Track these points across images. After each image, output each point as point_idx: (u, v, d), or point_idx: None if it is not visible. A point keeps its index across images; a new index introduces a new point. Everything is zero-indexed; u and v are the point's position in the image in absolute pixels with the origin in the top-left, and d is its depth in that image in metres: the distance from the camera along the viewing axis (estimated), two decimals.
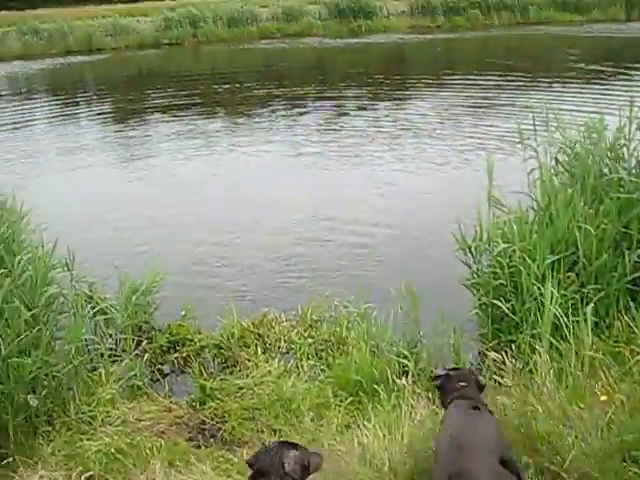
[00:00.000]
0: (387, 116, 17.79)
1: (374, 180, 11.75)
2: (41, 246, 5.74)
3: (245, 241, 9.25)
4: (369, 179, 11.87)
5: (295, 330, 6.26)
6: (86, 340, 5.59)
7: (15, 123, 20.80)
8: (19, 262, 5.23)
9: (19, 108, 23.80)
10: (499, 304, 5.40)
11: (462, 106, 18.30)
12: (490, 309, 5.62)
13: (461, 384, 3.75)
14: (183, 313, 6.51)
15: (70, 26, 45.03)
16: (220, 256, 8.67)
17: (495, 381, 4.64)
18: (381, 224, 9.56)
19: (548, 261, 5.32)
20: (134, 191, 12.12)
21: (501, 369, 4.63)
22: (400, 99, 20.76)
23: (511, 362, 4.55)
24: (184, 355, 6.03)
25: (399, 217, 9.73)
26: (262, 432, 4.83)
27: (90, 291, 6.43)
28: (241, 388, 5.39)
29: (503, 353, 4.72)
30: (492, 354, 4.76)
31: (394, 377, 4.98)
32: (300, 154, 14.17)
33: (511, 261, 5.50)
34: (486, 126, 15.29)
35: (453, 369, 4.08)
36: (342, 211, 10.14)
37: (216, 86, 26.03)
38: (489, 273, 5.74)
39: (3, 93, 29.22)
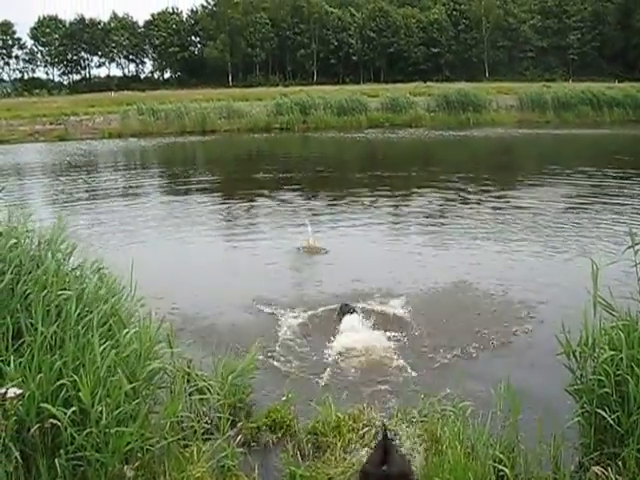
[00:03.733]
0: (492, 205, 17.82)
1: (479, 267, 11.72)
2: (148, 319, 5.91)
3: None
4: (471, 265, 11.83)
5: (390, 422, 6.15)
6: (181, 417, 5.66)
7: (124, 190, 22.16)
8: (126, 335, 5.40)
9: (131, 178, 25.30)
10: (603, 414, 5.17)
11: (571, 201, 18.11)
12: (593, 418, 5.37)
13: None
14: (284, 398, 6.49)
15: (186, 107, 47.64)
16: (316, 344, 8.50)
17: None
18: (480, 313, 9.38)
19: None
20: (235, 264, 12.47)
21: None
22: (506, 190, 20.67)
23: (616, 478, 4.31)
24: (277, 439, 6.03)
25: (500, 309, 9.54)
26: None
27: (188, 367, 6.54)
28: (331, 478, 5.33)
29: (608, 468, 4.48)
30: (595, 468, 4.53)
31: None
32: (399, 237, 14.42)
33: (618, 369, 5.27)
34: (596, 224, 14.97)
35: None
36: (435, 299, 10.05)
37: (321, 169, 26.80)
38: (594, 380, 5.51)
39: (119, 165, 31.03)
